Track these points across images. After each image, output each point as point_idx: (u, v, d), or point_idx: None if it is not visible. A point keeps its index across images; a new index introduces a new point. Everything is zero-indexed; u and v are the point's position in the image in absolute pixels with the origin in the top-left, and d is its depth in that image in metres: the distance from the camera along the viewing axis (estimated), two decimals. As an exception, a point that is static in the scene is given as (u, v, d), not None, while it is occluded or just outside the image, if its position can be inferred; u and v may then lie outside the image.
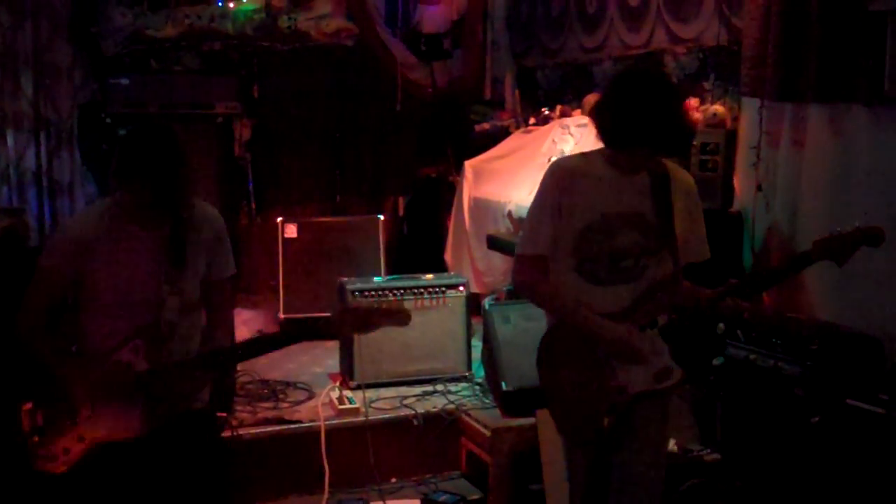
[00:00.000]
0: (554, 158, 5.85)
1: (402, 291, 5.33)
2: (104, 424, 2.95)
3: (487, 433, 4.66)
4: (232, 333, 3.48)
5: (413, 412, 4.95)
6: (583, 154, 3.26)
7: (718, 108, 5.08)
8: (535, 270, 3.17)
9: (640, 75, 3.11)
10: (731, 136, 4.97)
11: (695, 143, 4.91)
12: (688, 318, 3.07)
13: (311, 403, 5.06)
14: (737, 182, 4.96)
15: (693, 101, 5.24)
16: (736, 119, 5.03)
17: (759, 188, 4.78)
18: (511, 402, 4.65)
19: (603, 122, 3.06)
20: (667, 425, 3.21)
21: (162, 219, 2.99)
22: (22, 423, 2.97)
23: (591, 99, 6.19)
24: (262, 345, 3.18)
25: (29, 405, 2.98)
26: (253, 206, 7.22)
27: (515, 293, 5.55)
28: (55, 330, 3.03)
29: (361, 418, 4.78)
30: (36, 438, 2.95)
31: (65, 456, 2.94)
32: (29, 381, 3.02)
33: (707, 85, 5.36)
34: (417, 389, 5.23)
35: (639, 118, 2.95)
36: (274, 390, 5.24)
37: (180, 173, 2.93)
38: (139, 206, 2.95)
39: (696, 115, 5.13)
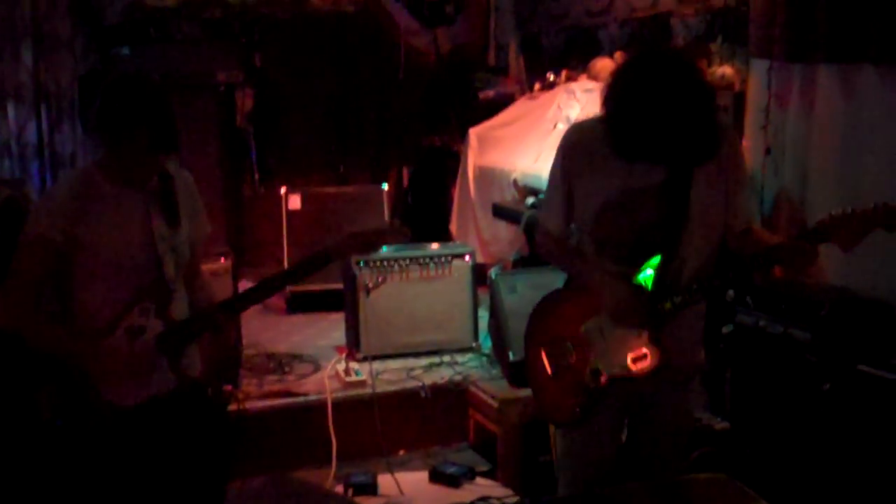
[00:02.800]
0: (560, 125, 5.79)
1: (407, 261, 5.29)
2: (134, 390, 2.88)
3: (495, 404, 4.63)
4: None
5: (420, 384, 4.93)
6: (600, 119, 2.83)
7: (727, 69, 4.99)
8: (572, 252, 3.03)
9: (649, 69, 2.65)
10: (740, 99, 4.89)
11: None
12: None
13: (318, 376, 5.04)
14: (745, 145, 4.87)
15: (701, 64, 5.15)
16: (744, 81, 4.94)
17: (767, 151, 4.70)
18: (519, 373, 4.60)
19: (609, 126, 2.73)
20: (684, 425, 3.14)
21: (146, 177, 2.90)
22: (42, 411, 2.88)
23: (597, 63, 6.10)
24: (278, 280, 3.10)
25: (44, 392, 2.89)
26: (256, 176, 7.18)
27: (524, 262, 5.53)
28: (41, 310, 2.88)
29: (368, 390, 4.76)
30: (61, 422, 2.88)
31: (97, 428, 2.88)
32: (36, 366, 2.91)
33: (715, 47, 5.27)
34: (424, 361, 5.21)
35: (646, 130, 2.61)
36: (280, 363, 5.22)
37: (172, 115, 2.84)
38: (129, 160, 2.84)
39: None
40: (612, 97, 2.71)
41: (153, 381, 2.91)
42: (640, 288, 2.84)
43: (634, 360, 2.87)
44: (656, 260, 2.84)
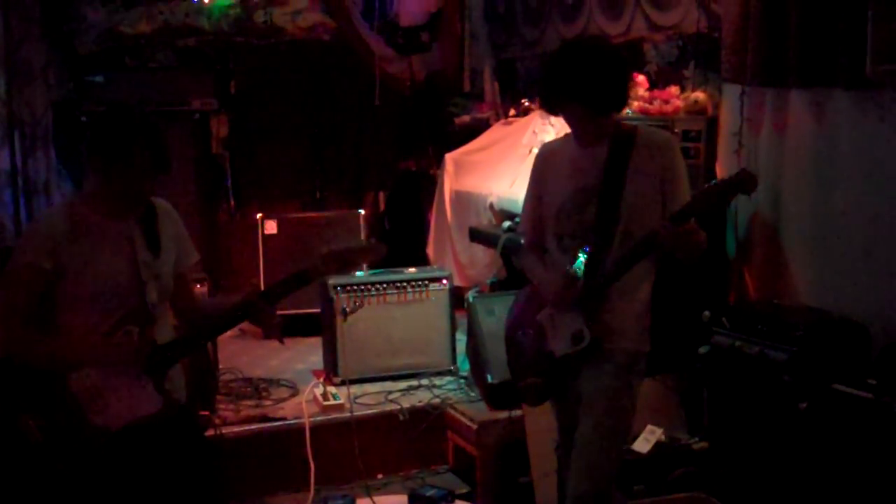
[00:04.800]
0: (535, 150, 5.83)
1: (384, 285, 5.30)
2: (121, 413, 2.89)
3: (474, 427, 4.63)
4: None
5: (398, 407, 4.92)
6: (566, 135, 3.41)
7: (699, 95, 5.04)
8: (532, 254, 3.43)
9: (570, 44, 3.29)
10: (713, 123, 4.94)
11: (676, 130, 4.88)
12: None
13: (296, 400, 5.03)
14: (719, 169, 4.93)
15: (673, 89, 5.21)
16: (717, 106, 4.99)
17: (741, 175, 4.74)
18: (497, 395, 4.62)
19: (539, 91, 3.35)
20: (618, 401, 3.22)
21: (139, 202, 2.98)
22: (27, 437, 2.86)
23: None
24: (255, 302, 3.08)
25: (28, 418, 2.87)
26: (232, 203, 7.18)
27: (501, 285, 5.56)
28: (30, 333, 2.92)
29: (346, 414, 4.76)
30: (50, 446, 2.86)
31: (89, 453, 2.87)
32: (17, 393, 2.91)
33: (687, 72, 5.33)
34: (402, 384, 5.21)
35: (560, 74, 3.14)
36: (257, 388, 5.21)
37: (163, 137, 2.92)
38: (124, 184, 2.89)
39: (677, 103, 5.10)
40: (549, 64, 3.25)
41: (139, 404, 2.92)
42: (572, 278, 3.20)
43: (574, 339, 3.20)
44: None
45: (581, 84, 3.10)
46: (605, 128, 3.21)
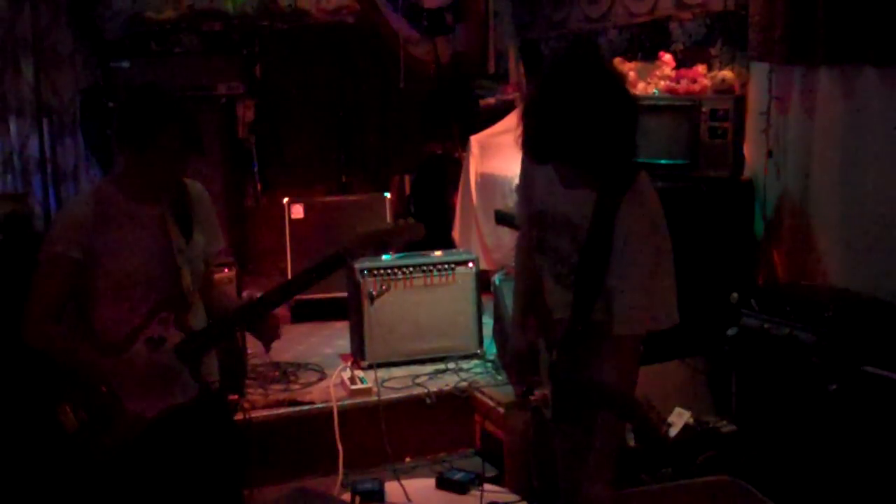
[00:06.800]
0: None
1: (411, 269, 5.30)
2: (157, 400, 2.90)
3: (501, 410, 4.63)
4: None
5: (426, 391, 4.93)
6: None
7: (727, 73, 4.98)
8: (524, 243, 3.01)
9: (557, 75, 2.55)
10: (741, 102, 4.88)
11: (704, 109, 4.83)
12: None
13: (323, 384, 5.05)
14: (747, 149, 4.89)
15: (700, 68, 5.16)
16: (745, 85, 4.94)
17: (769, 154, 4.70)
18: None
19: (522, 141, 2.61)
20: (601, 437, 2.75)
21: (171, 184, 2.94)
22: (65, 425, 2.88)
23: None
24: (295, 284, 3.10)
25: (67, 406, 2.89)
26: (258, 187, 7.21)
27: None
28: (62, 325, 2.91)
29: (374, 398, 4.77)
30: (87, 434, 2.88)
31: (125, 441, 2.88)
32: (56, 381, 2.92)
33: (714, 51, 5.26)
34: (429, 368, 5.22)
35: (549, 127, 2.48)
36: (285, 372, 5.23)
37: (195, 117, 2.88)
38: (157, 166, 2.84)
39: (704, 82, 5.04)
40: (537, 98, 2.58)
41: (175, 391, 2.93)
42: (531, 355, 2.87)
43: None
44: None
45: (573, 143, 2.45)
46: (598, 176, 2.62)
